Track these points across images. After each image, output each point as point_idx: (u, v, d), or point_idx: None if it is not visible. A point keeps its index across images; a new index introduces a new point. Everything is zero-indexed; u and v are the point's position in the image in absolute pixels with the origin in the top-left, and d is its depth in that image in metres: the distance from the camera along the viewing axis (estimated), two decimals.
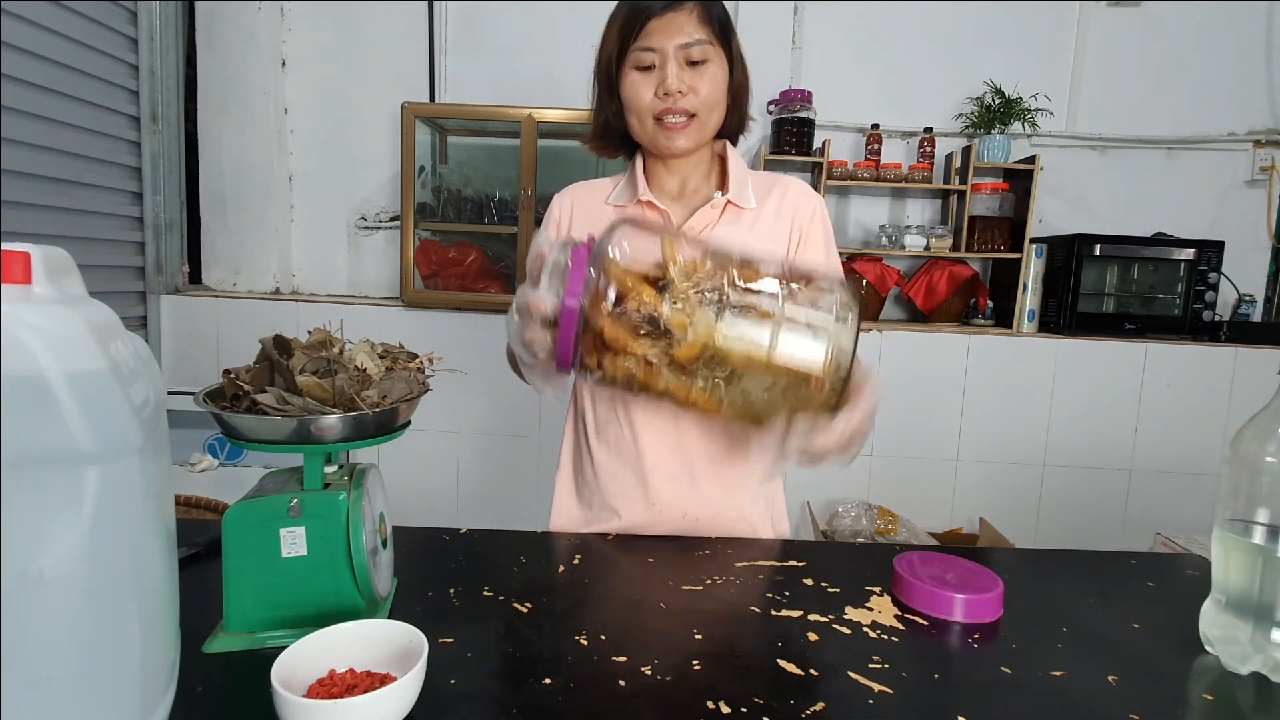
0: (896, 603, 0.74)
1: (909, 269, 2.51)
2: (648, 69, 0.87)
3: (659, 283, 0.66)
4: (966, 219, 2.33)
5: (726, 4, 0.92)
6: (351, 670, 0.54)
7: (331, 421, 0.59)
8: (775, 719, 0.54)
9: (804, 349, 0.65)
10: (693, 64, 0.86)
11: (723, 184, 0.97)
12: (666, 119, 0.88)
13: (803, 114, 2.29)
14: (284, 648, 0.52)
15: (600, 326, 0.64)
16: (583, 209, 1.00)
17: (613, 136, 0.96)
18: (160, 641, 0.46)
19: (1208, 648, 0.67)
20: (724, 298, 0.66)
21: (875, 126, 2.38)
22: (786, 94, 2.30)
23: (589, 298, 0.64)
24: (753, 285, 0.67)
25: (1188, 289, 2.27)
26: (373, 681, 0.53)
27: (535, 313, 0.66)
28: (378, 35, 2.45)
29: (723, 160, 0.99)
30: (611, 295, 0.64)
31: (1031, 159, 2.26)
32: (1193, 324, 2.27)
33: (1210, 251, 2.24)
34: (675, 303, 0.65)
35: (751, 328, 0.65)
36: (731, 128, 0.96)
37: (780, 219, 0.96)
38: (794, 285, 0.67)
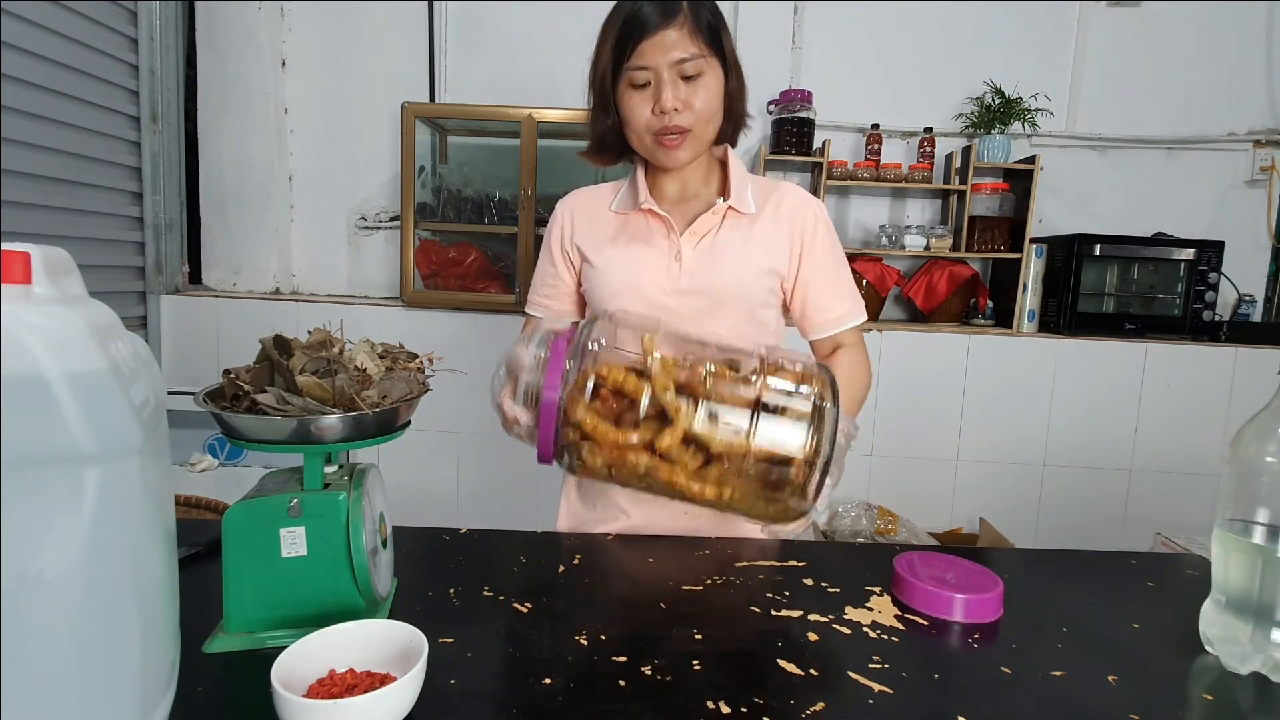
0: (896, 603, 0.74)
1: (909, 269, 2.51)
2: (643, 86, 0.87)
3: (639, 375, 0.69)
4: (966, 219, 2.33)
5: (727, 4, 0.92)
6: (351, 670, 0.54)
7: (331, 421, 0.59)
8: (775, 719, 0.54)
9: (781, 444, 0.67)
10: (687, 78, 0.87)
11: (724, 189, 0.97)
12: (664, 136, 0.88)
13: (803, 114, 2.29)
14: (284, 648, 0.52)
15: (580, 420, 0.67)
16: (585, 216, 1.00)
17: (610, 150, 0.97)
18: (160, 641, 0.46)
19: (1208, 648, 0.67)
20: (702, 394, 0.68)
21: (875, 126, 2.38)
22: (786, 94, 2.30)
23: (566, 393, 0.67)
24: (731, 385, 0.69)
25: (1188, 289, 2.27)
26: (373, 681, 0.53)
27: (513, 424, 0.73)
28: (378, 35, 2.45)
29: (723, 165, 0.99)
30: (590, 388, 0.68)
31: (1031, 159, 2.26)
32: (1193, 324, 2.27)
33: (1210, 251, 2.24)
34: (654, 397, 0.68)
35: (729, 425, 0.67)
36: (727, 132, 0.96)
37: (779, 226, 0.96)
38: (771, 380, 0.69)
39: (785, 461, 0.66)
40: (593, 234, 0.98)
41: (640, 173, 0.98)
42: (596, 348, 0.70)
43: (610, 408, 0.69)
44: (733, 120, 0.95)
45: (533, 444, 0.73)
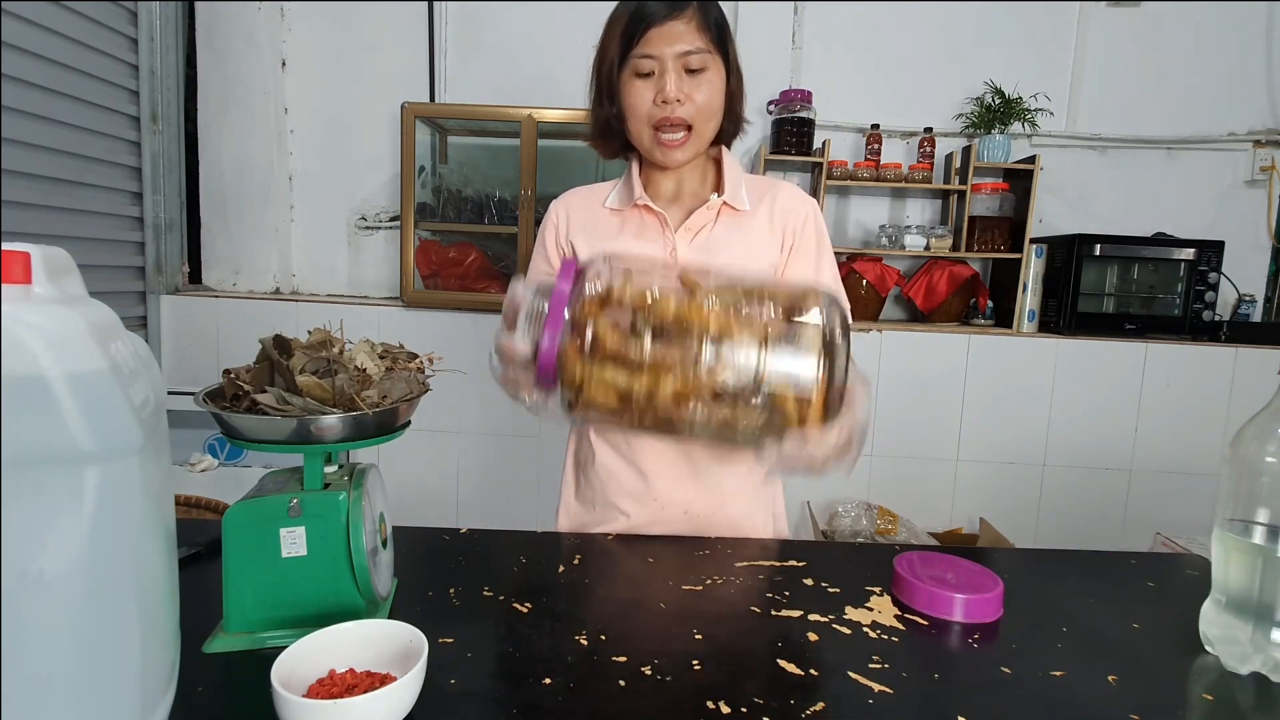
0: (896, 603, 0.74)
1: (909, 269, 2.51)
2: (647, 75, 0.88)
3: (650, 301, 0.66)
4: (966, 219, 2.33)
5: (727, 4, 0.92)
6: (351, 670, 0.54)
7: (331, 421, 0.59)
8: (775, 719, 0.54)
9: (793, 369, 0.65)
10: (691, 72, 0.87)
11: (719, 186, 0.97)
12: (663, 131, 0.89)
13: (803, 114, 2.29)
14: (284, 648, 0.52)
15: (593, 330, 0.64)
16: (580, 214, 1.00)
17: (613, 138, 0.97)
18: (160, 641, 0.46)
19: (1208, 648, 0.67)
20: (714, 319, 0.66)
21: (875, 126, 2.38)
22: (786, 94, 2.30)
23: (577, 307, 0.65)
24: (744, 307, 0.67)
25: (1188, 289, 2.27)
26: (373, 681, 0.53)
27: (511, 358, 0.69)
28: (378, 35, 2.45)
29: (718, 163, 0.99)
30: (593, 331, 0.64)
31: (1031, 159, 2.26)
32: (1193, 324, 2.27)
33: (1210, 251, 2.24)
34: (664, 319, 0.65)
35: (740, 349, 0.65)
36: (727, 132, 0.97)
37: (773, 224, 0.96)
38: (782, 307, 0.67)
39: (797, 391, 0.64)
40: (587, 232, 0.98)
41: (635, 169, 0.98)
42: (607, 271, 0.68)
43: (619, 327, 0.65)
44: (732, 120, 0.95)
45: (526, 385, 0.71)
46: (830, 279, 0.99)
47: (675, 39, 0.85)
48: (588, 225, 0.99)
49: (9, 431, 0.36)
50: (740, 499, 0.98)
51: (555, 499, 1.06)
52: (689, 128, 0.89)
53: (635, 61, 0.87)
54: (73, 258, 0.44)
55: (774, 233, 0.96)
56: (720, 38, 0.89)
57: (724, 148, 0.99)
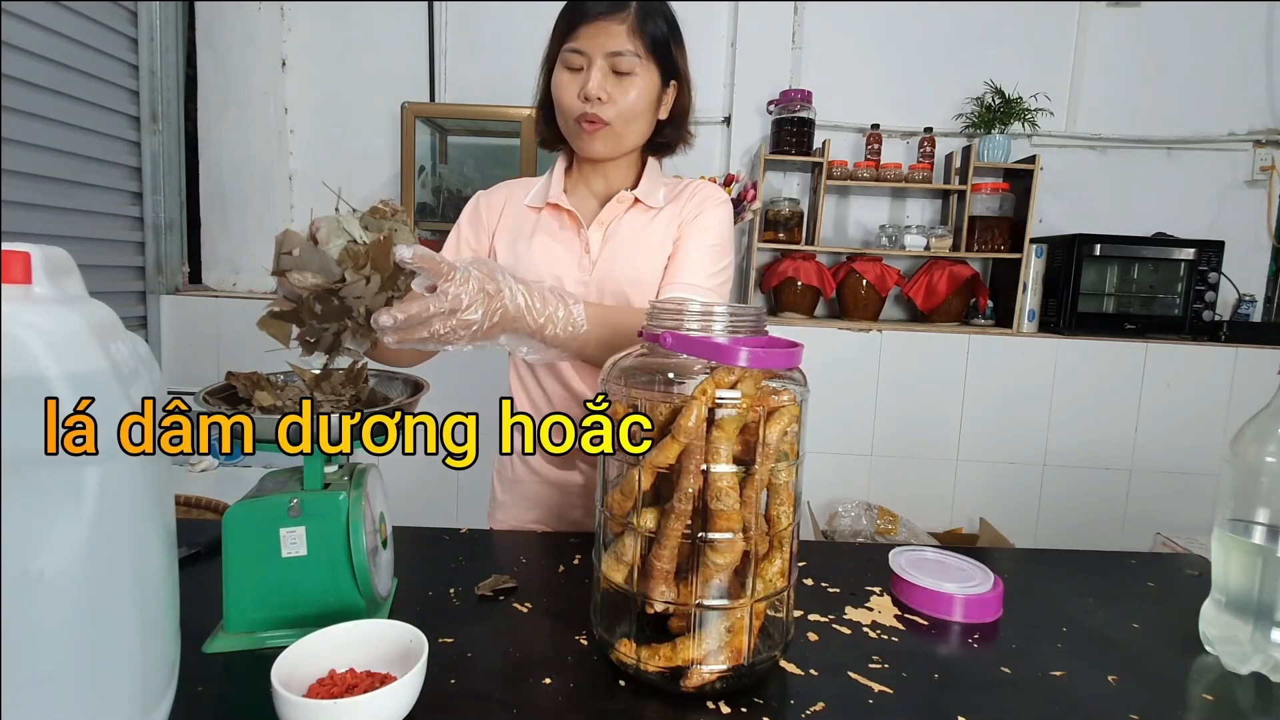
0: (896, 603, 0.74)
1: (909, 269, 2.51)
2: (575, 70, 0.89)
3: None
4: (966, 219, 2.33)
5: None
6: (351, 670, 0.54)
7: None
8: (775, 719, 0.54)
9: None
10: (618, 73, 0.87)
11: (637, 185, 0.99)
12: (584, 122, 0.89)
13: (803, 114, 2.29)
14: (284, 648, 0.52)
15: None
16: (503, 211, 1.00)
17: (551, 127, 0.98)
18: (160, 641, 0.46)
19: (1208, 648, 0.67)
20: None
21: (875, 126, 2.38)
22: (786, 94, 2.30)
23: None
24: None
25: (1188, 289, 2.27)
26: (373, 681, 0.53)
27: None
28: (378, 35, 2.45)
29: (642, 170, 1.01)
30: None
31: (1031, 159, 2.26)
32: (1193, 324, 2.27)
33: (1210, 251, 2.24)
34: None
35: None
36: (661, 144, 0.97)
37: (675, 218, 0.96)
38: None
39: None
40: (508, 231, 0.99)
41: (560, 168, 0.99)
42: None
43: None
44: (670, 134, 0.96)
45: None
46: (699, 274, 0.91)
47: (606, 38, 0.86)
48: (509, 224, 0.99)
49: (9, 431, 0.36)
50: None
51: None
52: (608, 123, 0.89)
53: (565, 55, 0.89)
54: (73, 258, 0.44)
55: (674, 223, 0.96)
56: (658, 46, 0.88)
57: (653, 158, 1.00)
